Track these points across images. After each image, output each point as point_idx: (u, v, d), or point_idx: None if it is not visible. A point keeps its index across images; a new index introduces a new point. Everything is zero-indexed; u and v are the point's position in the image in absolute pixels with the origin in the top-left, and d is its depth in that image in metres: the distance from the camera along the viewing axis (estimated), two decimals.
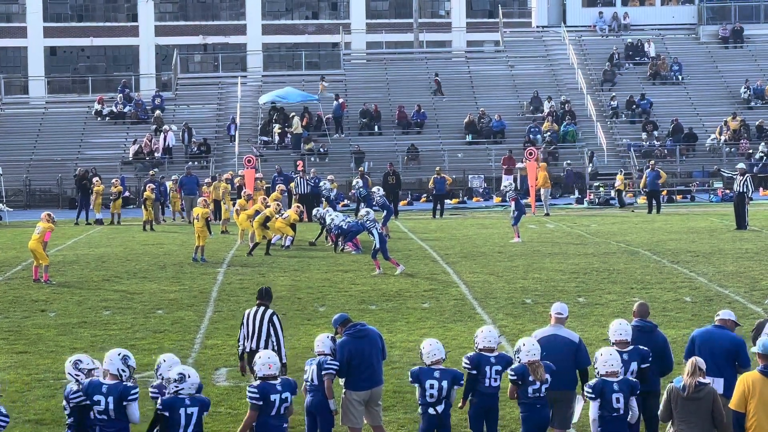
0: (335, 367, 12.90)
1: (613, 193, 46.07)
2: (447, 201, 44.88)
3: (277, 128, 54.10)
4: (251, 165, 43.29)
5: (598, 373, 11.97)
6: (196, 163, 51.13)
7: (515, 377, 12.37)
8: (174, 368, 11.48)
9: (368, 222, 27.95)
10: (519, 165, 48.73)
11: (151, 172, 45.07)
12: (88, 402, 11.37)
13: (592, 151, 51.44)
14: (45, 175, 51.35)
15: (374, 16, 73.24)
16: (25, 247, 28.19)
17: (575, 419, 13.04)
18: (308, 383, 13.01)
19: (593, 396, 11.87)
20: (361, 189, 36.67)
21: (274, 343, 14.45)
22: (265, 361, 11.78)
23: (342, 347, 13.05)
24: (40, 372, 17.50)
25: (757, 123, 53.85)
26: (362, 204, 35.71)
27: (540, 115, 55.60)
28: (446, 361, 12.76)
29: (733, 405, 11.19)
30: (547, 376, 12.38)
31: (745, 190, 35.44)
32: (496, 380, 12.71)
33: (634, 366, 12.56)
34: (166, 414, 11.16)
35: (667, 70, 59.14)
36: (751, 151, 52.05)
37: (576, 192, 49.14)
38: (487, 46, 67.94)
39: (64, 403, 11.65)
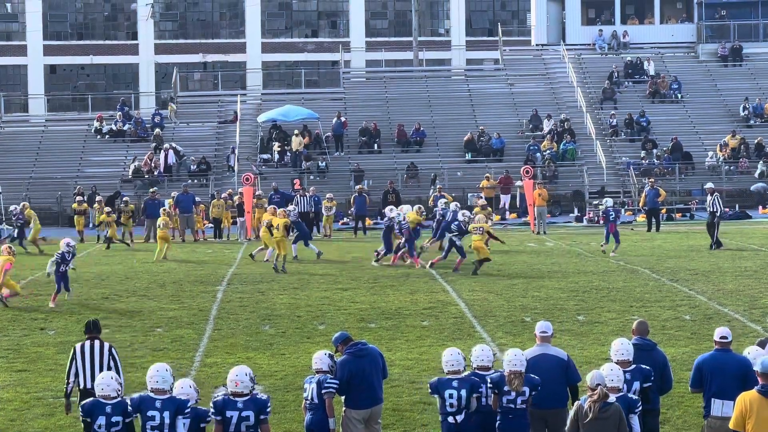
0: (335, 386, 12.89)
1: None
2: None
3: (276, 146, 54.18)
4: (249, 183, 43.40)
5: None
6: (195, 181, 51.19)
7: (491, 386, 12.52)
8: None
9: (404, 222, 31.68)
10: (518, 183, 48.79)
11: (151, 190, 45.13)
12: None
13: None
14: (45, 193, 51.35)
15: (374, 35, 73.46)
16: (24, 265, 28.22)
17: None
18: (308, 401, 12.98)
19: None
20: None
21: None
22: (233, 378, 11.76)
23: (343, 366, 13.06)
24: (39, 390, 17.49)
25: (756, 141, 53.95)
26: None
27: (539, 133, 55.69)
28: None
29: (732, 425, 11.20)
30: (525, 389, 12.43)
31: (714, 209, 35.62)
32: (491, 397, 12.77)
33: (636, 385, 12.54)
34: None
35: (666, 89, 59.23)
36: (749, 169, 52.19)
37: (575, 210, 49.18)
38: (487, 65, 68.04)
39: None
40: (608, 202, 36.34)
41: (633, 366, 12.66)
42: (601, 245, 34.48)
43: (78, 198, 44.39)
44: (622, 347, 12.75)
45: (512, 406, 12.45)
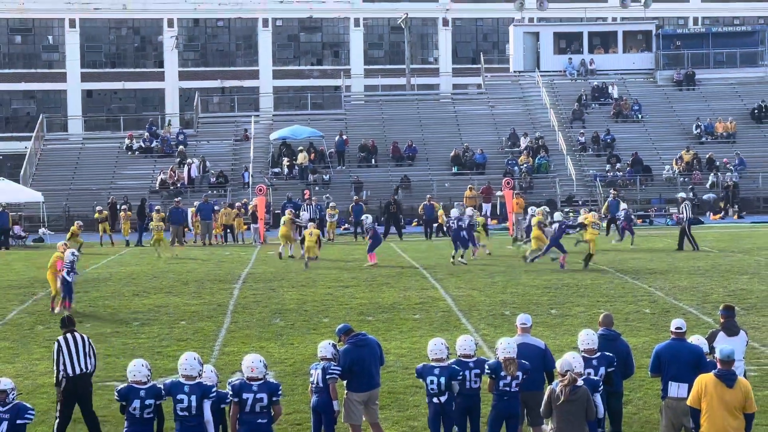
0: (338, 372, 12.88)
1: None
2: (435, 225, 44.78)
3: (285, 161, 54.16)
4: (262, 193, 43.40)
5: None
6: (214, 191, 51.16)
7: (489, 371, 12.49)
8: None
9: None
10: (498, 193, 48.76)
11: (176, 200, 45.08)
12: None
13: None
14: (82, 202, 51.30)
15: (371, 63, 73.41)
16: None
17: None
18: (314, 385, 12.98)
19: None
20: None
21: (93, 363, 13.96)
22: (249, 365, 11.76)
23: (345, 354, 13.03)
24: None
25: (707, 156, 54.02)
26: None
27: (517, 149, 55.69)
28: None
29: (689, 402, 11.27)
30: (519, 373, 12.42)
31: (684, 215, 35.68)
32: (476, 382, 12.73)
33: (602, 370, 12.55)
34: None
35: (628, 110, 59.26)
36: (701, 180, 52.25)
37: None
38: (471, 89, 68.05)
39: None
40: (624, 205, 38.43)
41: (598, 353, 12.66)
42: (630, 244, 36.28)
43: (98, 207, 44.47)
44: (587, 337, 12.76)
45: (507, 389, 12.44)
